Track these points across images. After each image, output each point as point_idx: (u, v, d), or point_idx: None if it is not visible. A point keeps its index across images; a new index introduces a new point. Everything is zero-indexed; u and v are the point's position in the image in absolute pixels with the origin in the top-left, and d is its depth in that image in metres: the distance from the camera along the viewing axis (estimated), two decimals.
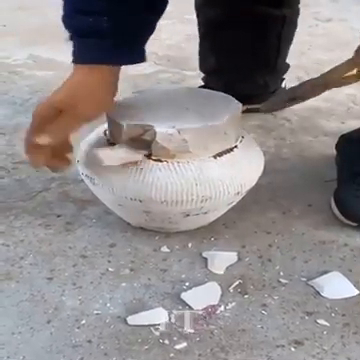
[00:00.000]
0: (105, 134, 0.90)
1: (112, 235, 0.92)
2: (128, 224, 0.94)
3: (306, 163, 1.16)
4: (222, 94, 0.94)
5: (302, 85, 0.95)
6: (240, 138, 0.90)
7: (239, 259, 0.87)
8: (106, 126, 0.90)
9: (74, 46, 0.81)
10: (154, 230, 0.93)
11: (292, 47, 1.35)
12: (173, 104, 0.90)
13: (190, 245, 0.91)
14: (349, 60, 0.89)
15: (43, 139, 0.80)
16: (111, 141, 0.88)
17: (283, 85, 1.40)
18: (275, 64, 1.34)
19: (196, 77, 1.44)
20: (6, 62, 1.73)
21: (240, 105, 0.90)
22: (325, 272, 0.85)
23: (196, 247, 0.90)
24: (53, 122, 0.80)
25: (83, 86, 0.81)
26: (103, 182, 0.85)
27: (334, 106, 1.43)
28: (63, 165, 0.88)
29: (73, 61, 0.82)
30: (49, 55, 1.74)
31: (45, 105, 0.82)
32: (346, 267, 0.86)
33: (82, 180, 0.92)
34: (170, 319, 0.76)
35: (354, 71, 0.87)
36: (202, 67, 1.38)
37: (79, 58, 0.81)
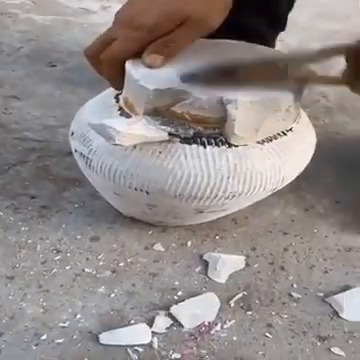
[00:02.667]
0: (117, 99, 0.74)
1: (96, 226, 0.85)
2: (118, 212, 0.86)
3: (339, 149, 1.08)
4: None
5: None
6: (298, 117, 0.76)
7: (247, 265, 0.81)
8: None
9: None
10: (149, 222, 0.84)
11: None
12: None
13: (189, 244, 0.83)
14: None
15: (158, 61, 0.70)
16: (126, 111, 0.72)
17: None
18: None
19: None
20: None
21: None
22: (347, 287, 0.78)
23: (196, 247, 0.83)
24: (164, 38, 0.70)
25: None
26: (103, 166, 0.71)
27: None
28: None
29: None
30: None
31: (160, 15, 0.70)
32: None
33: (69, 153, 0.83)
34: (152, 339, 0.68)
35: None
36: None
37: None
